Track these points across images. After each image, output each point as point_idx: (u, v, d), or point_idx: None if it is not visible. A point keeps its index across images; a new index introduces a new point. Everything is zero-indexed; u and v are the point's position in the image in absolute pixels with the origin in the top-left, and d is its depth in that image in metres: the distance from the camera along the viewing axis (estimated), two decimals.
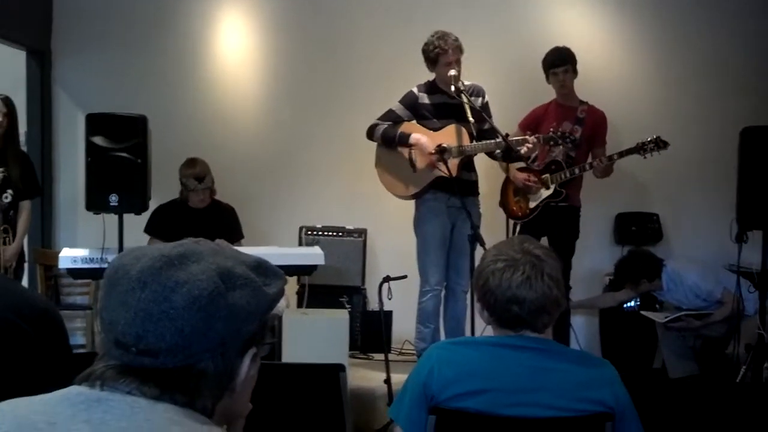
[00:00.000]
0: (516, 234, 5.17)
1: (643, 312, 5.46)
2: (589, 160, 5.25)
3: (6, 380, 1.72)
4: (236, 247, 1.26)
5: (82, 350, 5.53)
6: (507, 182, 5.29)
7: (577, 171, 5.17)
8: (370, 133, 5.00)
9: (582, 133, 5.23)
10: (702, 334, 5.28)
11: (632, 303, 5.67)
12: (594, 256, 6.05)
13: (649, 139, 5.01)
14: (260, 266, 1.19)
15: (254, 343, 1.16)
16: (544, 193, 5.20)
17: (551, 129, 5.02)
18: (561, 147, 5.07)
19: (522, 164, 5.06)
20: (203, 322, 1.08)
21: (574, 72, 5.30)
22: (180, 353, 1.08)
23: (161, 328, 1.07)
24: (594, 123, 5.32)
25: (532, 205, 5.23)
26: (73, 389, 1.10)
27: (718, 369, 5.09)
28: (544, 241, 5.25)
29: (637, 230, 6.10)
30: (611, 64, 6.13)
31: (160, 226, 5.17)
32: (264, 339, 1.19)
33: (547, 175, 5.17)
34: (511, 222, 5.25)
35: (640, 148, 5.02)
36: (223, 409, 1.15)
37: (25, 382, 1.72)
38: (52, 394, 1.11)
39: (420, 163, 4.85)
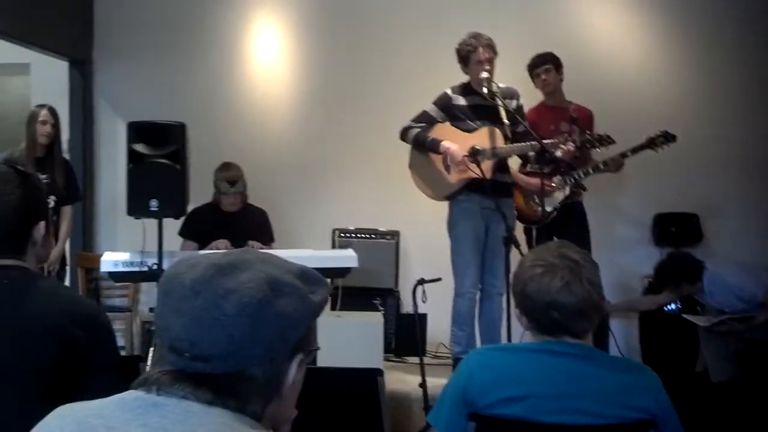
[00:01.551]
0: (535, 238, 5.15)
1: (684, 315, 5.40)
2: (604, 158, 5.24)
3: (61, 384, 1.78)
4: (267, 251, 1.30)
5: (122, 352, 5.62)
6: (516, 188, 5.25)
7: (591, 170, 5.16)
8: (404, 136, 5.01)
9: (578, 131, 5.24)
10: (744, 337, 5.23)
11: (673, 306, 5.62)
12: (633, 257, 6.01)
13: (657, 134, 5.02)
14: (305, 274, 1.23)
15: (301, 349, 1.20)
16: (560, 194, 5.19)
17: (552, 132, 5.02)
18: (599, 149, 5.07)
19: (527, 168, 5.12)
20: (253, 329, 1.12)
21: (558, 72, 5.34)
22: (231, 359, 1.12)
23: (213, 335, 1.11)
24: (585, 120, 5.33)
25: (549, 208, 5.21)
26: (130, 394, 1.15)
27: (761, 372, 5.03)
28: None
29: (677, 231, 6.04)
30: (645, 63, 6.09)
31: (194, 229, 5.22)
32: (310, 345, 1.23)
33: (559, 176, 5.15)
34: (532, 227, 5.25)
35: (651, 143, 5.03)
36: (271, 413, 1.18)
37: (78, 386, 1.78)
38: (109, 398, 1.15)
39: (452, 170, 4.87)
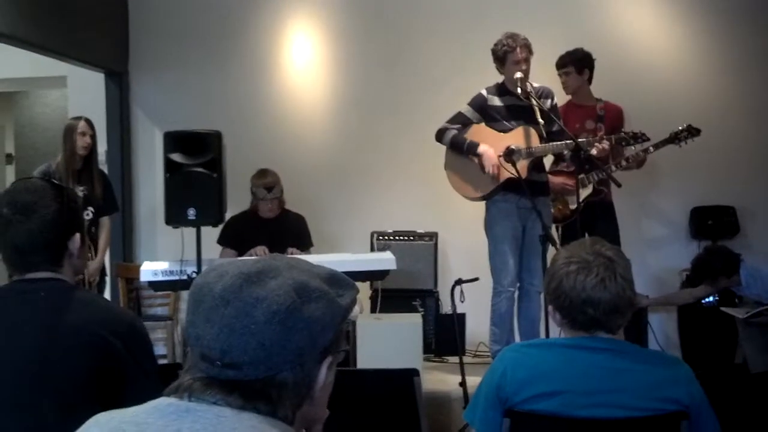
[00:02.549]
0: (560, 237, 5.15)
1: (723, 308, 5.37)
2: (626, 154, 5.20)
3: (99, 393, 1.82)
4: (306, 256, 1.32)
5: (164, 360, 5.68)
6: None
7: (614, 167, 5.12)
8: (440, 137, 5.02)
9: (605, 129, 5.20)
10: None
11: (711, 299, 5.58)
12: (670, 251, 5.97)
13: (681, 128, 4.98)
14: (333, 278, 1.25)
15: (330, 352, 1.22)
16: (583, 192, 5.16)
17: (577, 130, 4.99)
18: (633, 147, 5.04)
19: (557, 168, 5.08)
20: (282, 335, 1.15)
21: (580, 73, 5.31)
22: (262, 365, 1.14)
23: (244, 343, 1.14)
24: (613, 118, 5.31)
25: (572, 206, 5.20)
26: (163, 400, 1.18)
27: None
28: None
29: (714, 224, 5.99)
30: (680, 57, 6.04)
31: (232, 237, 5.26)
32: (339, 347, 1.24)
33: (583, 174, 5.12)
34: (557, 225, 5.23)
35: (675, 138, 5.00)
36: (303, 415, 1.21)
37: (116, 395, 1.82)
38: (143, 405, 1.19)
39: (488, 173, 4.86)
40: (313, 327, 1.17)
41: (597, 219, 5.18)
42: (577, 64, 5.32)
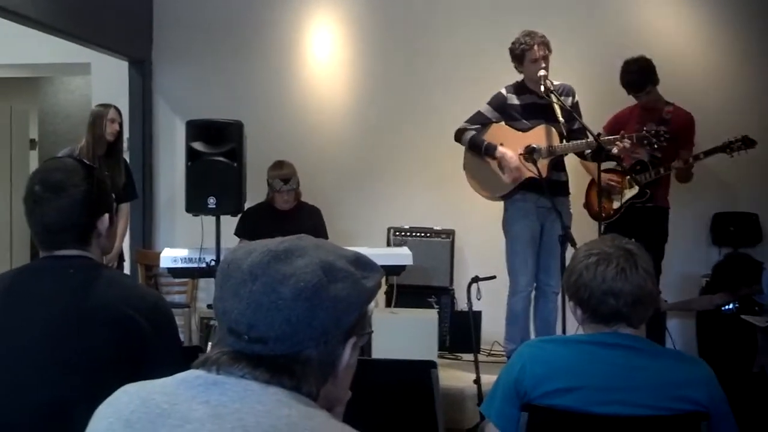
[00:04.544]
0: (600, 234, 5.12)
1: (743, 316, 5.32)
2: (683, 157, 5.16)
3: (124, 370, 1.83)
4: None
5: None
6: (591, 183, 5.24)
7: (662, 171, 5.09)
8: (458, 137, 5.02)
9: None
10: None
11: (731, 306, 5.53)
12: (690, 257, 5.93)
13: (735, 138, 4.90)
14: (359, 260, 1.27)
15: (355, 333, 1.24)
16: (628, 193, 5.13)
17: (644, 129, 4.96)
18: (649, 147, 4.99)
19: (607, 164, 5.01)
20: (308, 312, 1.16)
21: (655, 84, 5.13)
22: (287, 341, 1.16)
23: (270, 318, 1.15)
24: (680, 124, 5.19)
25: (615, 205, 5.18)
26: (192, 373, 1.19)
27: None
28: None
29: (735, 231, 5.94)
30: (701, 61, 6.01)
31: (249, 229, 5.28)
32: (363, 329, 1.26)
33: (631, 175, 5.10)
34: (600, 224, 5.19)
35: (727, 147, 4.92)
36: (327, 393, 1.22)
37: (141, 372, 1.84)
38: (172, 377, 1.20)
39: (506, 176, 4.86)
40: (338, 306, 1.19)
41: (644, 222, 5.13)
42: (652, 78, 5.12)
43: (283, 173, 5.27)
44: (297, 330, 1.16)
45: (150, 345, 1.88)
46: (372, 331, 1.31)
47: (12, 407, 1.82)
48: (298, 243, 1.23)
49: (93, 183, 1.98)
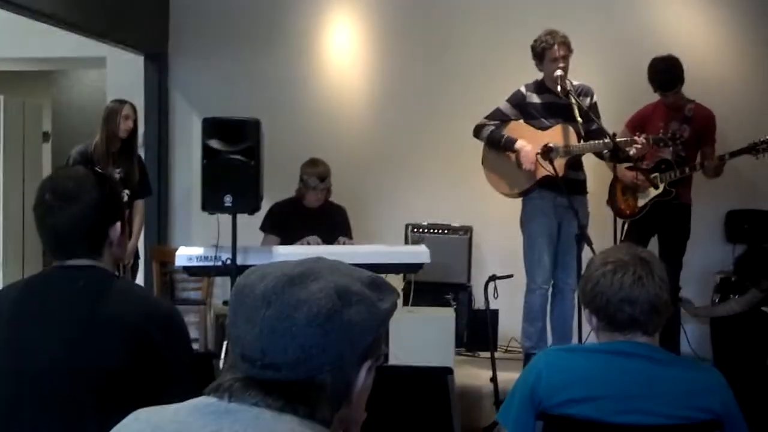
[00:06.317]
0: (624, 233, 5.10)
1: (763, 308, 5.28)
2: (699, 159, 5.12)
3: (136, 383, 1.83)
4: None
5: (195, 344, 5.72)
6: (615, 180, 5.20)
7: (687, 170, 5.05)
8: (477, 133, 5.01)
9: (690, 131, 5.10)
10: None
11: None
12: (704, 254, 5.86)
13: (762, 140, 4.86)
14: (374, 282, 1.24)
15: (370, 356, 1.22)
16: (653, 191, 5.10)
17: (660, 129, 4.92)
18: (671, 147, 4.96)
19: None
20: (322, 338, 1.15)
21: (682, 83, 5.08)
22: (301, 367, 1.14)
23: (284, 344, 1.14)
24: (702, 121, 5.16)
25: (641, 203, 5.14)
26: (203, 400, 1.18)
27: None
28: (654, 240, 5.18)
29: (750, 228, 5.90)
30: (722, 61, 5.95)
31: (276, 224, 5.26)
32: (379, 351, 1.24)
33: (657, 173, 5.06)
34: (619, 221, 5.15)
35: (753, 148, 4.89)
36: (341, 418, 1.21)
37: (153, 385, 1.83)
38: (183, 404, 1.19)
39: (525, 169, 4.83)
40: (353, 331, 1.17)
41: (668, 219, 5.10)
42: (682, 77, 5.06)
43: (319, 170, 5.23)
44: (311, 356, 1.14)
45: (163, 357, 1.87)
46: (386, 352, 1.29)
47: (24, 418, 1.82)
48: (313, 266, 1.21)
49: (105, 191, 1.97)
